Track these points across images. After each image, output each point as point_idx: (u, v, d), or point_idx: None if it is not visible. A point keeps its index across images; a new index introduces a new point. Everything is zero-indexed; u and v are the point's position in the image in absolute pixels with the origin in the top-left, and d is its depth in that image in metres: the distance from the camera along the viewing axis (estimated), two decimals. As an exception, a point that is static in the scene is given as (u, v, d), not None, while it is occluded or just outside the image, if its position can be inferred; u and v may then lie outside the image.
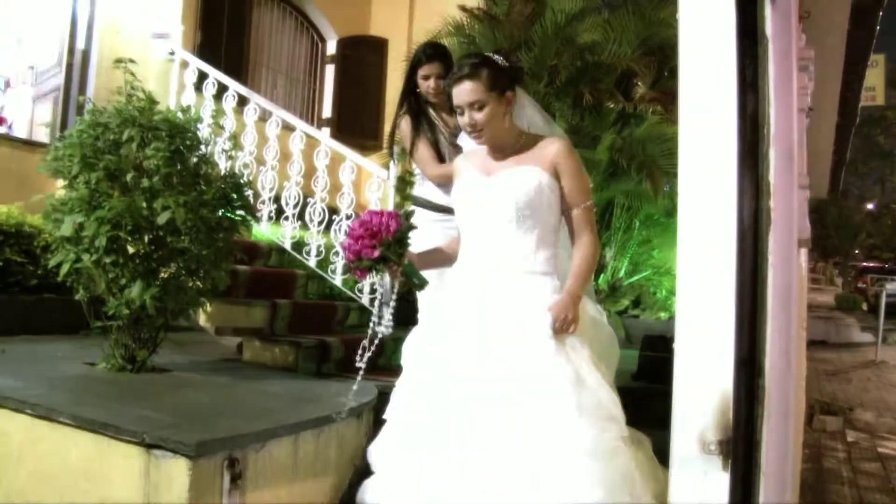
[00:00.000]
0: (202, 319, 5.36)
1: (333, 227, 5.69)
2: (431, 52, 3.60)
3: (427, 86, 3.52)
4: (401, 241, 2.52)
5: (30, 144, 6.17)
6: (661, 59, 7.26)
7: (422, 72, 3.53)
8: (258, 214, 6.07)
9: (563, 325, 2.46)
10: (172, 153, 3.64)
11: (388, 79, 9.80)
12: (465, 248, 2.69)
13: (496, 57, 2.58)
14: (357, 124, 9.72)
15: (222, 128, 4.33)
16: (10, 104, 7.81)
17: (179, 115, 3.88)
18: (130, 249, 3.65)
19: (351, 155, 5.70)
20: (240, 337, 4.97)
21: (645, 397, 4.59)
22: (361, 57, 9.88)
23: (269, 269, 6.16)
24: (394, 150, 4.33)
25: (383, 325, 2.70)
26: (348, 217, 5.63)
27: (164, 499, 2.43)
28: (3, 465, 2.88)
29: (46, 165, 3.69)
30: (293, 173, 5.93)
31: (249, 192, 5.87)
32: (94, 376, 3.54)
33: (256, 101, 6.28)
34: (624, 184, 7.17)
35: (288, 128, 6.15)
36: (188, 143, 3.80)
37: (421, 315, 3.20)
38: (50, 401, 2.83)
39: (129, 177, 3.57)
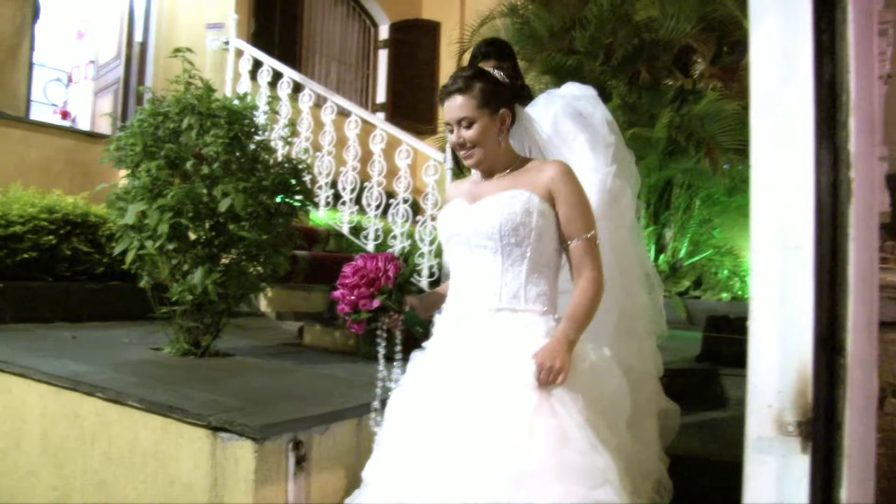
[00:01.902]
0: (263, 305, 5.44)
1: (391, 210, 5.70)
2: (486, 49, 3.46)
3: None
4: (402, 287, 2.27)
5: (92, 136, 6.29)
6: (720, 34, 7.08)
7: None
8: (316, 200, 6.13)
9: (549, 375, 2.02)
10: (231, 140, 3.67)
11: (440, 62, 9.76)
12: (451, 286, 2.33)
13: (496, 71, 2.31)
14: (411, 108, 9.71)
15: (278, 114, 4.35)
16: (74, 98, 8.01)
17: (236, 102, 3.91)
18: (192, 236, 3.70)
19: (407, 138, 5.68)
20: (300, 321, 5.02)
21: (709, 379, 4.52)
22: (414, 41, 9.86)
23: (328, 254, 6.22)
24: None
25: (392, 381, 2.38)
26: (405, 201, 5.63)
27: (231, 480, 2.47)
28: (78, 447, 2.96)
29: (109, 155, 3.75)
30: (349, 158, 5.95)
31: (307, 178, 5.96)
32: (160, 361, 3.61)
33: (311, 87, 6.31)
34: (682, 162, 7.03)
35: (343, 113, 6.16)
36: (246, 129, 3.84)
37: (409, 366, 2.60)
38: (119, 385, 2.89)
39: (189, 164, 3.61)
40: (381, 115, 8.77)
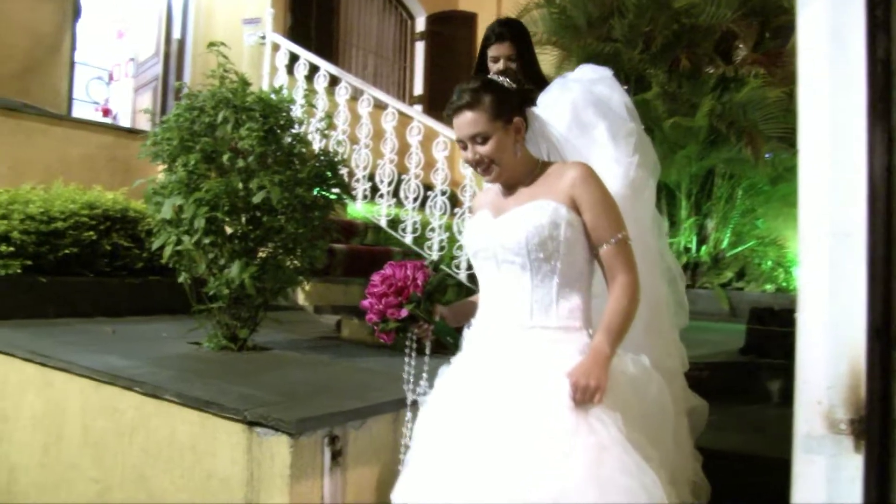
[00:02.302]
0: (301, 298, 5.45)
1: (428, 203, 5.68)
2: (501, 30, 3.28)
3: (496, 69, 3.19)
4: (431, 295, 2.18)
5: (132, 132, 6.36)
6: (762, 19, 6.93)
7: (491, 52, 3.27)
8: (353, 193, 6.13)
9: (585, 395, 1.90)
10: (266, 133, 3.66)
11: (477, 53, 9.68)
12: (480, 303, 2.24)
13: (501, 79, 2.15)
14: (448, 100, 9.66)
15: (314, 107, 4.35)
16: (115, 96, 8.12)
17: (272, 95, 3.90)
18: (228, 230, 3.70)
19: (444, 130, 5.64)
20: (338, 315, 5.02)
21: (753, 373, 4.42)
22: (450, 32, 9.80)
23: (366, 248, 6.21)
24: None
25: (418, 393, 2.33)
26: (443, 193, 5.60)
27: (267, 475, 2.45)
28: (117, 440, 2.97)
29: (146, 150, 3.77)
30: (386, 151, 5.94)
31: (345, 171, 5.95)
32: (198, 355, 3.62)
33: (348, 80, 6.31)
34: (724, 151, 6.90)
35: (379, 106, 6.15)
36: (281, 122, 3.83)
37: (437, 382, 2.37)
38: (156, 379, 2.90)
39: (224, 158, 3.61)
40: (418, 108, 8.75)
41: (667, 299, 2.75)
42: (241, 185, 3.61)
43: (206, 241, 3.60)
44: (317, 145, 4.62)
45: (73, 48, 5.99)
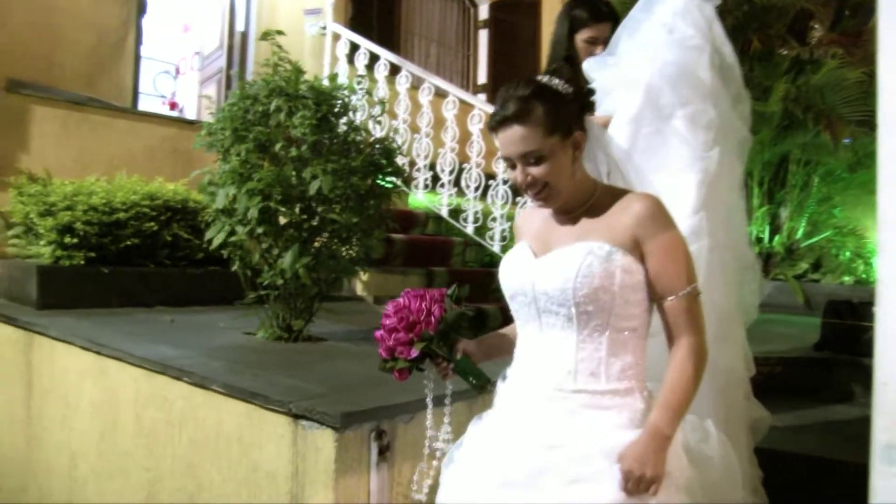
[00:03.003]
0: (359, 288, 5.42)
1: (490, 192, 5.59)
2: (606, 8, 2.91)
3: (591, 52, 2.83)
4: (445, 333, 1.86)
5: (195, 124, 6.41)
6: (841, -4, 6.59)
7: (586, 34, 2.89)
8: (414, 182, 6.08)
9: (639, 486, 1.60)
10: (319, 121, 3.62)
11: (542, 41, 9.53)
12: (517, 352, 1.90)
13: (555, 82, 1.75)
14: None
15: (369, 94, 4.30)
16: (181, 89, 8.26)
17: (326, 82, 3.86)
18: (282, 220, 3.68)
19: (503, 118, 5.52)
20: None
21: (828, 370, 4.19)
22: (514, 20, 9.66)
23: (426, 237, 6.16)
24: None
25: (441, 439, 2.02)
26: (505, 182, 5.51)
27: (312, 469, 2.40)
28: (167, 430, 2.97)
29: (201, 140, 3.78)
30: (447, 139, 5.87)
31: (406, 161, 5.90)
32: (251, 346, 3.61)
33: (408, 68, 6.26)
34: (800, 136, 6.58)
35: (441, 94, 6.08)
36: (336, 110, 3.78)
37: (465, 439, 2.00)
38: (205, 369, 2.88)
39: (277, 147, 3.58)
40: (481, 97, 8.63)
41: (740, 301, 2.54)
42: (294, 175, 3.58)
43: (260, 230, 3.58)
44: (377, 134, 4.56)
45: (138, 43, 6.08)
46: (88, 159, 5.20)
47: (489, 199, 5.59)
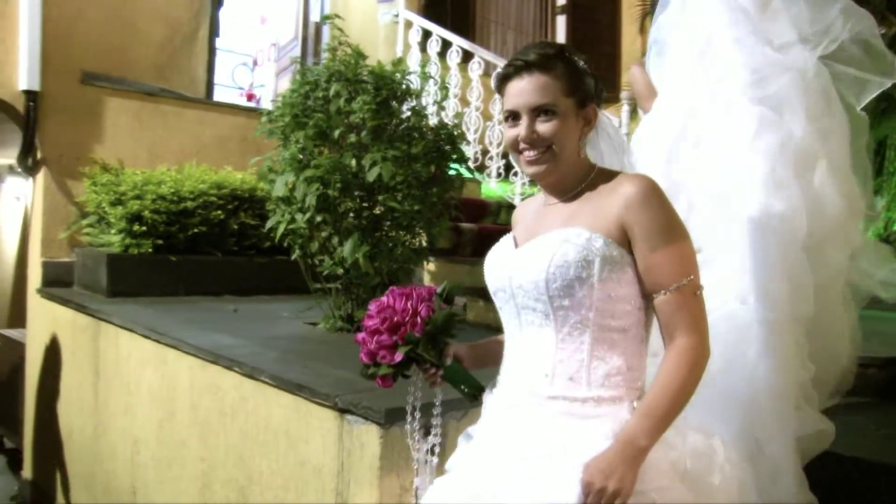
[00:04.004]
0: (426, 279, 5.31)
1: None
2: None
3: None
4: (433, 336, 1.66)
5: (263, 113, 6.46)
6: (947, -34, 6.12)
7: None
8: (487, 171, 5.94)
9: (599, 500, 1.38)
10: (379, 105, 3.52)
11: (622, 27, 9.24)
12: (504, 356, 1.68)
13: (576, 57, 1.60)
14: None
15: (430, 77, 4.20)
16: (259, 80, 8.33)
17: (389, 67, 3.76)
18: (343, 208, 3.59)
19: (578, 104, 5.33)
20: (466, 296, 4.84)
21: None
22: (593, 5, 9.38)
23: (497, 227, 6.01)
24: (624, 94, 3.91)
25: (426, 451, 1.88)
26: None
27: (357, 465, 2.30)
28: (220, 420, 2.93)
29: (262, 128, 3.73)
30: (521, 126, 5.70)
31: (478, 149, 5.77)
32: (309, 336, 3.55)
33: (481, 55, 6.11)
34: (898, 120, 6.18)
35: (513, 81, 5.92)
36: (397, 95, 3.67)
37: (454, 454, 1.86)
38: (257, 360, 2.82)
39: (337, 133, 3.50)
40: (559, 84, 8.41)
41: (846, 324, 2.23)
42: (353, 162, 3.49)
43: (319, 218, 3.51)
44: (449, 120, 4.44)
45: (212, 35, 6.11)
46: (160, 149, 5.26)
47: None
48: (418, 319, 1.64)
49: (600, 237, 1.48)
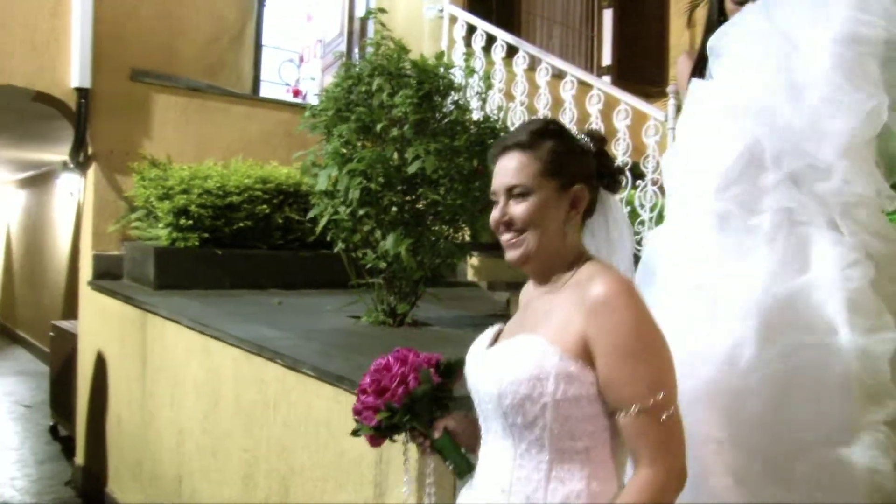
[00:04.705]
0: (470, 274, 5.31)
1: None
2: None
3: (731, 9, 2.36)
4: (411, 409, 1.58)
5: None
6: None
7: None
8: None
9: None
10: (421, 99, 3.51)
11: (670, 20, 9.11)
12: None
13: (581, 136, 1.52)
14: (639, 70, 9.12)
15: (474, 70, 4.18)
16: (305, 77, 8.39)
17: (431, 61, 3.75)
18: (384, 201, 3.60)
19: (625, 97, 5.28)
20: (510, 292, 4.83)
21: None
22: (641, -2, 9.28)
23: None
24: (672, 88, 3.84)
25: None
26: (624, 164, 5.26)
27: (396, 456, 2.30)
28: (263, 411, 2.96)
29: (305, 122, 3.76)
30: (565, 120, 5.65)
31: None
32: (352, 329, 3.56)
33: (525, 49, 6.08)
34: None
35: (558, 75, 5.88)
36: (440, 88, 3.67)
37: None
38: (299, 352, 2.84)
39: (379, 127, 3.51)
40: (606, 79, 8.33)
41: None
42: (395, 156, 3.50)
43: (362, 212, 3.52)
44: (495, 116, 4.42)
45: (258, 32, 6.19)
46: (207, 144, 5.33)
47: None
48: (400, 390, 1.58)
49: (556, 352, 1.33)
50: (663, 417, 1.29)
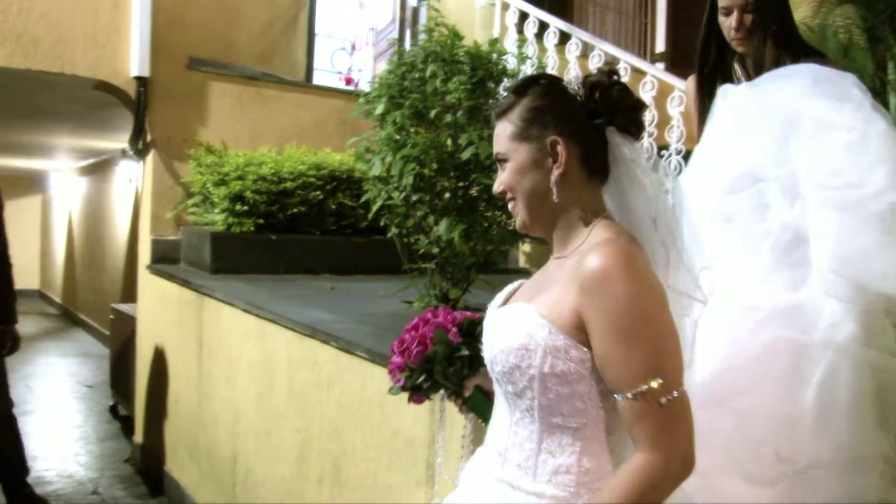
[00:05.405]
0: (521, 261, 5.31)
1: (662, 164, 5.27)
2: None
3: (727, 25, 2.22)
4: (429, 368, 1.58)
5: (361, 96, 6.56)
6: None
7: (720, 2, 2.24)
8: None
9: None
10: (475, 85, 3.52)
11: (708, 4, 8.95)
12: None
13: (573, 83, 1.39)
14: (694, 57, 9.01)
15: (527, 58, 4.16)
16: (357, 65, 8.44)
17: (485, 47, 3.75)
18: (438, 187, 3.62)
19: (678, 83, 5.20)
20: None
21: None
22: (696, -17, 9.11)
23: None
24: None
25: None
26: (678, 152, 5.19)
27: (448, 437, 2.32)
28: (316, 393, 3.02)
29: (358, 108, 3.79)
30: (617, 108, 5.61)
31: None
32: (404, 314, 3.58)
33: (578, 35, 6.03)
34: None
35: (611, 63, 5.82)
36: (493, 75, 3.67)
37: None
38: (352, 335, 2.88)
39: (432, 113, 3.52)
40: (660, 66, 8.21)
41: None
42: (449, 141, 3.51)
43: (415, 197, 3.55)
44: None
45: (311, 20, 6.25)
46: (261, 131, 5.41)
47: (661, 171, 5.28)
48: (415, 350, 1.59)
49: (546, 325, 1.27)
50: (663, 401, 1.20)
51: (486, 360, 1.40)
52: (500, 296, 1.52)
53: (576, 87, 1.38)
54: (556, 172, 1.33)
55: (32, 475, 4.46)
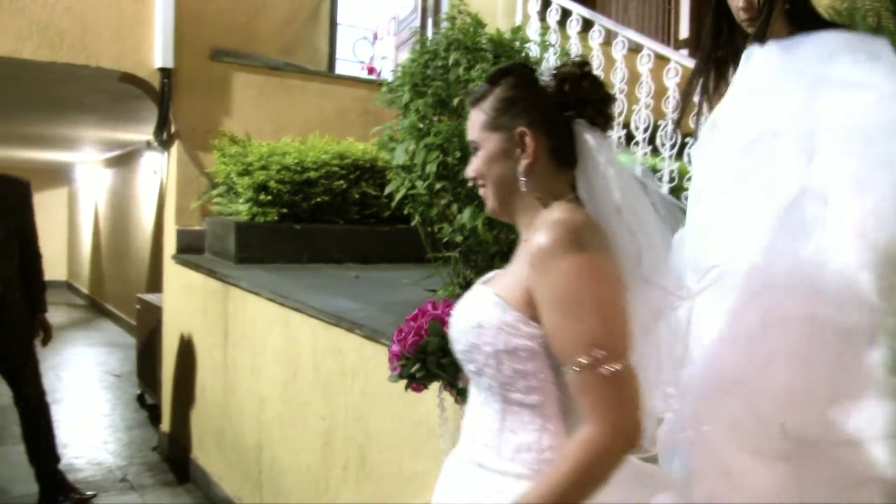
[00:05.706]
0: (543, 250, 5.30)
1: (686, 150, 5.23)
2: None
3: (735, 6, 2.02)
4: (423, 358, 1.64)
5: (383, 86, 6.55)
6: None
7: None
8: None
9: None
10: (497, 74, 3.51)
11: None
12: None
13: (544, 74, 1.42)
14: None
15: (550, 46, 4.13)
16: (379, 54, 8.44)
17: (507, 35, 3.74)
18: (461, 175, 3.62)
19: (702, 70, 5.14)
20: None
21: None
22: (721, -31, 9.00)
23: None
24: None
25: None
26: (702, 140, 5.15)
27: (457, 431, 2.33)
28: (341, 381, 3.03)
29: (381, 97, 3.78)
30: (642, 95, 5.55)
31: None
32: (428, 302, 3.59)
33: (601, 22, 5.98)
34: None
35: (634, 49, 5.76)
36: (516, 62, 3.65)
37: None
38: (377, 323, 2.89)
39: (455, 101, 3.51)
40: (684, 52, 8.14)
41: None
42: (472, 129, 3.50)
43: (438, 186, 3.54)
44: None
45: (333, 10, 6.25)
46: (284, 121, 5.43)
47: (685, 158, 5.23)
48: (410, 340, 1.65)
49: (500, 303, 1.32)
50: (605, 373, 1.20)
51: (452, 342, 1.43)
52: (478, 282, 1.54)
53: (547, 79, 1.41)
54: (523, 163, 1.37)
55: (63, 463, 4.53)
